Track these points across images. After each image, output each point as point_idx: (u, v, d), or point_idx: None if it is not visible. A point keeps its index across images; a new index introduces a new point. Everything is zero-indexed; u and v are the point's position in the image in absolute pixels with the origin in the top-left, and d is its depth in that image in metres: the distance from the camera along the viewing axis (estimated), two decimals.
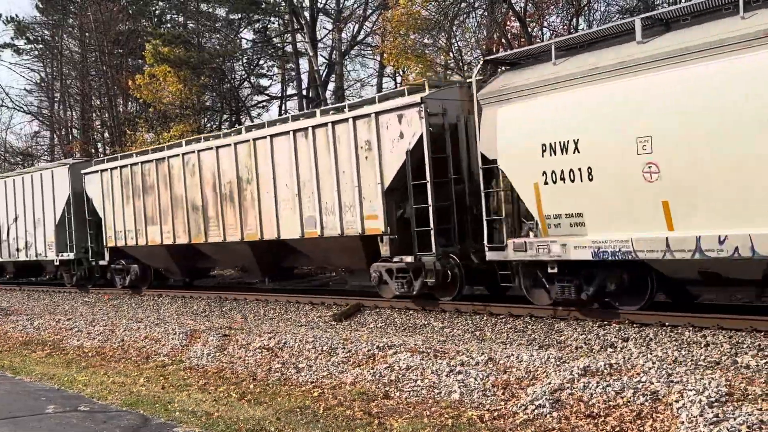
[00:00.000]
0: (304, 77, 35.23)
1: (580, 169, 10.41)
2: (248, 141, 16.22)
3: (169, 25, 38.33)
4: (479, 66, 12.60)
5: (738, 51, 8.88)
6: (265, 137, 15.79)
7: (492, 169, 11.60)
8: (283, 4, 33.08)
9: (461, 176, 12.85)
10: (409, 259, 12.93)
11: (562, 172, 10.61)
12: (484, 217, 11.73)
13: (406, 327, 12.41)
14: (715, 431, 5.96)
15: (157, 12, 38.85)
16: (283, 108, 36.64)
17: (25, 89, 56.31)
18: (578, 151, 10.41)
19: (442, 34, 23.34)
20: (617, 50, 10.21)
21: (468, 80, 13.31)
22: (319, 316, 14.19)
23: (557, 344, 10.03)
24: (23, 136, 53.71)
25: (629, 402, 6.84)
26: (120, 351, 12.65)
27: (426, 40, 23.89)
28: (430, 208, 12.47)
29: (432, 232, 12.49)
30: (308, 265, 19.02)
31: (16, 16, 42.98)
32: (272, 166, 15.56)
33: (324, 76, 33.32)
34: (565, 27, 24.11)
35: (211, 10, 36.64)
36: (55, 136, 46.18)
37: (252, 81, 36.67)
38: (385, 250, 13.35)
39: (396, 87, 28.60)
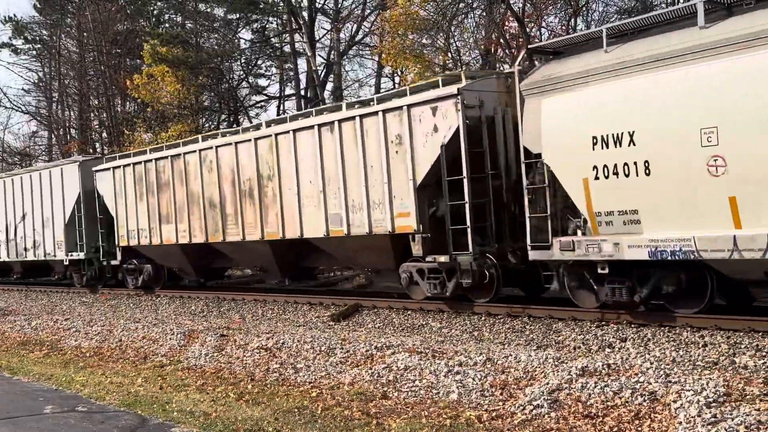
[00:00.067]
0: (303, 77, 35.29)
1: (635, 163, 9.80)
2: (269, 136, 15.64)
3: (167, 25, 38.35)
4: (522, 55, 12.03)
5: None
6: (287, 132, 15.22)
7: (535, 163, 11.04)
8: (282, 4, 33.09)
9: (498, 171, 12.26)
10: (443, 258, 12.35)
11: (615, 166, 10.00)
12: (527, 215, 11.12)
13: (404, 327, 12.40)
14: (713, 431, 5.97)
15: (155, 12, 38.86)
16: (282, 108, 36.70)
17: (23, 89, 56.33)
18: (633, 144, 9.79)
19: (441, 34, 23.35)
20: (677, 36, 9.60)
21: (505, 71, 12.82)
22: (317, 316, 14.18)
23: (555, 344, 10.03)
24: (21, 136, 53.79)
25: (627, 402, 6.84)
26: (118, 351, 12.63)
27: (424, 41, 23.93)
28: (467, 205, 11.91)
29: (468, 230, 11.91)
30: (332, 265, 18.50)
31: (14, 15, 42.99)
32: (295, 162, 14.98)
33: (322, 76, 33.35)
34: (564, 27, 24.14)
35: (209, 10, 36.69)
36: (53, 136, 46.19)
37: (250, 81, 36.72)
38: (417, 249, 12.80)
39: (394, 87, 28.62)
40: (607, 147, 10.08)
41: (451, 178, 12.07)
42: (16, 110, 47.45)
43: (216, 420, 7.70)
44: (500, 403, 7.54)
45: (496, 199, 12.19)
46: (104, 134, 39.45)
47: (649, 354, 8.73)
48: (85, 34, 39.45)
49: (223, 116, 34.45)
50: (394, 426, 7.15)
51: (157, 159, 18.97)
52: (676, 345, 9.15)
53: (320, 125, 14.39)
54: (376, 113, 13.34)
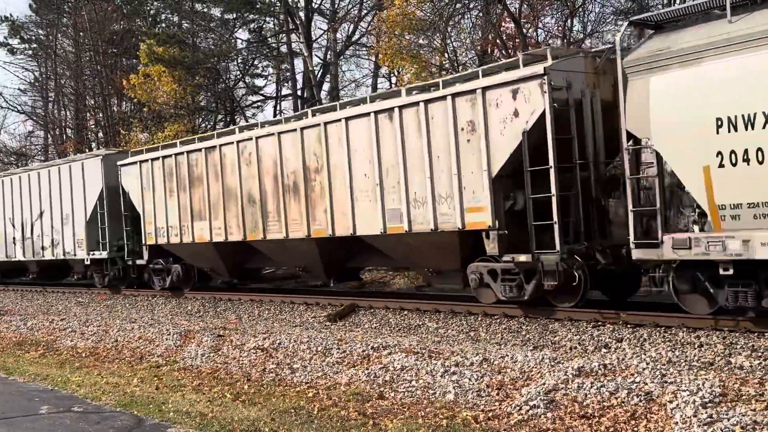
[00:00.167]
0: (299, 77, 35.23)
1: None
2: (318, 125, 14.42)
3: (163, 25, 38.29)
4: (624, 28, 10.69)
5: None
6: (338, 120, 14.01)
7: (641, 150, 9.94)
8: (278, 4, 33.05)
9: (586, 161, 11.17)
10: (523, 258, 11.21)
11: (746, 152, 8.74)
12: (630, 208, 10.00)
13: (401, 327, 12.41)
14: (709, 431, 5.99)
15: (151, 12, 38.80)
16: (278, 108, 36.67)
17: (19, 89, 56.43)
18: None
19: (437, 34, 23.35)
20: None
21: (593, 50, 11.60)
22: (313, 316, 14.17)
23: (552, 345, 10.04)
24: (17, 136, 53.60)
25: (623, 402, 6.85)
26: (114, 351, 12.62)
27: (421, 41, 23.90)
28: (554, 198, 10.73)
29: (555, 226, 10.72)
30: (385, 265, 17.14)
31: (10, 15, 42.91)
32: (347, 153, 13.79)
33: (319, 76, 33.31)
34: (560, 28, 24.18)
35: (206, 9, 36.63)
36: (49, 136, 46.10)
37: (247, 81, 36.67)
38: (491, 247, 11.66)
39: (391, 87, 28.63)
40: (736, 130, 8.87)
41: (535, 168, 10.89)
42: (12, 110, 47.38)
43: (212, 420, 7.69)
44: (497, 404, 7.55)
45: (583, 191, 11.11)
46: (100, 134, 39.39)
47: (645, 354, 8.74)
48: (81, 33, 39.39)
49: (220, 116, 34.41)
50: (391, 426, 7.15)
51: (189, 152, 17.78)
52: (672, 345, 9.16)
53: (377, 112, 13.23)
54: (443, 98, 12.17)
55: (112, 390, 9.51)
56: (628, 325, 10.27)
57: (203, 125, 33.18)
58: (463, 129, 11.90)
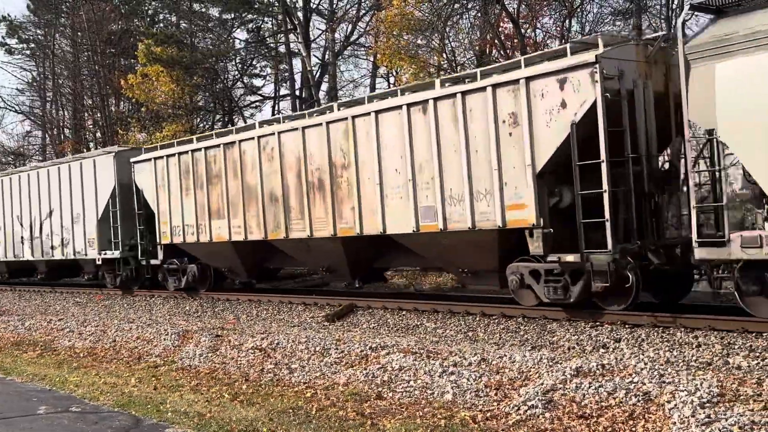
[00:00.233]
0: (298, 77, 35.22)
1: None
2: (345, 119, 13.82)
3: (161, 25, 38.28)
4: (685, 11, 10.11)
5: None
6: (367, 114, 13.41)
7: (706, 141, 9.51)
8: (277, 4, 33.06)
9: (639, 155, 10.64)
10: (570, 258, 10.64)
11: None
12: (692, 205, 9.47)
13: (399, 327, 12.40)
14: (707, 431, 5.99)
15: (149, 11, 38.80)
16: (276, 108, 36.67)
17: (16, 89, 56.40)
18: None
19: (436, 35, 23.36)
20: None
21: (644, 38, 11.25)
22: (311, 316, 14.17)
23: (550, 345, 10.05)
24: (15, 136, 53.48)
25: (621, 402, 6.85)
26: (112, 351, 12.61)
27: (419, 41, 23.92)
28: (605, 194, 10.17)
29: (607, 224, 10.17)
30: (416, 265, 16.56)
31: (8, 15, 42.91)
32: (377, 148, 13.20)
33: (317, 76, 33.32)
34: (558, 28, 24.20)
35: (204, 9, 36.62)
36: (47, 136, 46.08)
37: (245, 81, 36.67)
38: (535, 246, 11.11)
39: (389, 87, 28.63)
40: None
41: (585, 162, 10.33)
42: (10, 110, 47.37)
43: (210, 420, 7.69)
44: (495, 404, 7.55)
45: (635, 187, 10.60)
46: (98, 134, 39.36)
47: (643, 354, 8.75)
48: (79, 33, 39.38)
49: (218, 116, 34.40)
50: (389, 426, 7.15)
51: (206, 148, 17.17)
52: (670, 345, 9.17)
53: (409, 105, 12.68)
54: (482, 89, 11.58)
55: (110, 390, 9.50)
56: (626, 326, 10.27)
57: (201, 125, 33.17)
58: (504, 121, 11.34)
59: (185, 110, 31.24)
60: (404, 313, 13.27)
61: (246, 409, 8.13)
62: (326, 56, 34.41)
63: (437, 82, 12.77)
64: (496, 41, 23.19)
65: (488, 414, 7.32)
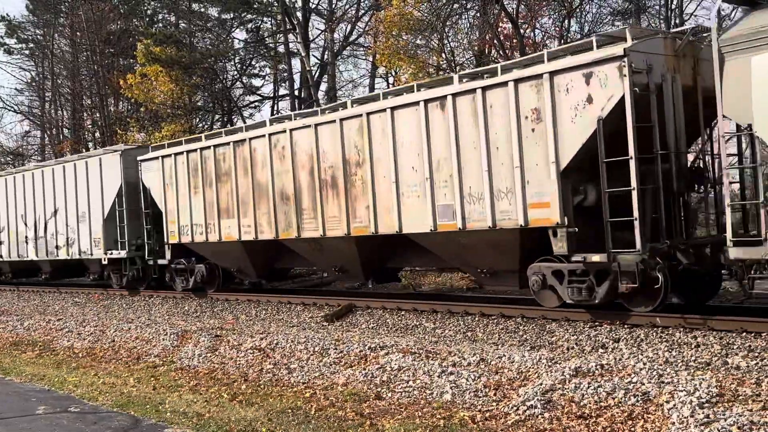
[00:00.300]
0: (297, 77, 35.25)
1: None
2: (359, 116, 13.50)
3: (160, 25, 38.30)
4: (718, 5, 9.77)
5: None
6: (382, 111, 13.10)
7: (741, 137, 9.22)
8: (276, 4, 33.07)
9: (667, 152, 10.36)
10: (596, 257, 10.36)
11: None
12: (727, 203, 9.33)
13: (398, 328, 12.40)
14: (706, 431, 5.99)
15: (148, 11, 38.82)
16: (275, 108, 36.68)
17: (15, 88, 56.26)
18: None
19: (435, 35, 23.37)
20: None
21: (672, 31, 11.05)
22: (310, 316, 14.17)
23: (549, 345, 10.05)
24: (14, 136, 53.52)
25: (620, 403, 6.85)
26: (111, 352, 12.60)
27: (418, 41, 23.93)
28: (634, 192, 9.88)
29: (636, 222, 9.89)
30: (432, 265, 16.13)
31: (7, 15, 42.93)
32: (393, 145, 12.91)
33: (316, 76, 33.33)
34: (557, 29, 24.22)
35: (203, 9, 36.64)
36: (45, 136, 46.07)
37: (244, 81, 36.68)
38: (559, 246, 10.80)
39: (388, 87, 28.63)
40: None
41: (612, 159, 10.06)
42: (9, 110, 47.38)
43: (209, 421, 7.69)
44: (494, 404, 7.55)
45: (663, 184, 10.34)
46: (97, 134, 39.36)
47: (642, 354, 8.75)
48: (78, 33, 39.36)
49: (217, 116, 34.40)
50: (388, 426, 7.15)
51: (216, 146, 16.88)
52: (669, 345, 9.17)
53: (427, 101, 12.36)
54: (504, 84, 11.27)
55: (108, 390, 9.50)
56: (625, 325, 10.28)
57: (200, 125, 33.18)
58: (527, 117, 11.02)
59: (184, 110, 31.23)
60: (403, 313, 13.27)
61: (245, 410, 8.12)
62: (325, 56, 34.45)
63: (455, 77, 12.41)
64: (495, 41, 23.21)
65: (487, 414, 7.32)
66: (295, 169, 14.92)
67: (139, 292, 19.96)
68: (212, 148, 16.96)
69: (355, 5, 33.13)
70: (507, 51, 22.67)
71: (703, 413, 6.23)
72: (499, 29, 23.56)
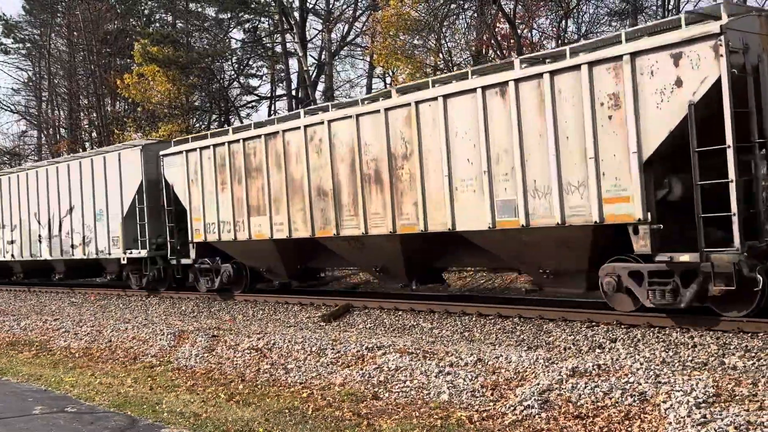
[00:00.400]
0: (294, 77, 35.27)
1: None
2: (407, 105, 12.65)
3: (157, 25, 38.30)
4: None
5: None
6: (434, 99, 12.24)
7: None
8: (273, 4, 33.07)
9: (765, 140, 9.50)
10: (687, 257, 9.44)
11: None
12: None
13: (395, 328, 12.41)
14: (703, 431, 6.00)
15: (145, 11, 38.81)
16: (273, 109, 36.68)
17: (12, 88, 56.35)
18: None
19: (432, 35, 23.39)
20: None
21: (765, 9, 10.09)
22: (308, 316, 14.17)
23: (546, 345, 10.06)
24: (10, 136, 53.48)
25: (617, 403, 6.86)
26: (107, 352, 12.59)
27: (416, 41, 23.95)
28: (732, 185, 8.99)
29: (734, 218, 9.00)
30: (486, 265, 15.20)
31: (4, 15, 42.89)
32: (445, 136, 12.05)
33: (314, 76, 33.34)
34: (554, 29, 24.25)
35: (200, 9, 36.65)
36: (42, 136, 46.02)
37: (241, 81, 36.67)
38: (641, 245, 9.89)
39: (386, 87, 28.63)
40: None
41: (705, 148, 9.18)
42: (6, 110, 47.39)
43: (206, 421, 7.68)
44: (491, 404, 7.55)
45: (759, 177, 9.55)
46: (94, 134, 39.33)
47: (639, 354, 8.76)
48: (75, 33, 39.33)
49: (214, 116, 34.39)
50: (385, 427, 7.15)
51: (245, 139, 15.99)
52: (666, 345, 9.19)
53: (485, 88, 11.47)
54: (576, 68, 10.37)
55: (105, 390, 9.49)
56: (622, 326, 10.29)
57: (197, 125, 33.16)
58: (603, 104, 10.14)
59: (181, 110, 31.23)
60: (400, 313, 13.27)
61: (242, 410, 8.12)
62: (323, 56, 34.45)
63: (516, 62, 11.47)
64: (492, 41, 23.23)
65: (484, 414, 7.32)
66: (333, 163, 14.08)
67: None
68: (241, 141, 16.10)
69: (353, 5, 33.18)
70: (504, 51, 22.69)
71: (699, 413, 6.24)
72: (496, 29, 23.59)
